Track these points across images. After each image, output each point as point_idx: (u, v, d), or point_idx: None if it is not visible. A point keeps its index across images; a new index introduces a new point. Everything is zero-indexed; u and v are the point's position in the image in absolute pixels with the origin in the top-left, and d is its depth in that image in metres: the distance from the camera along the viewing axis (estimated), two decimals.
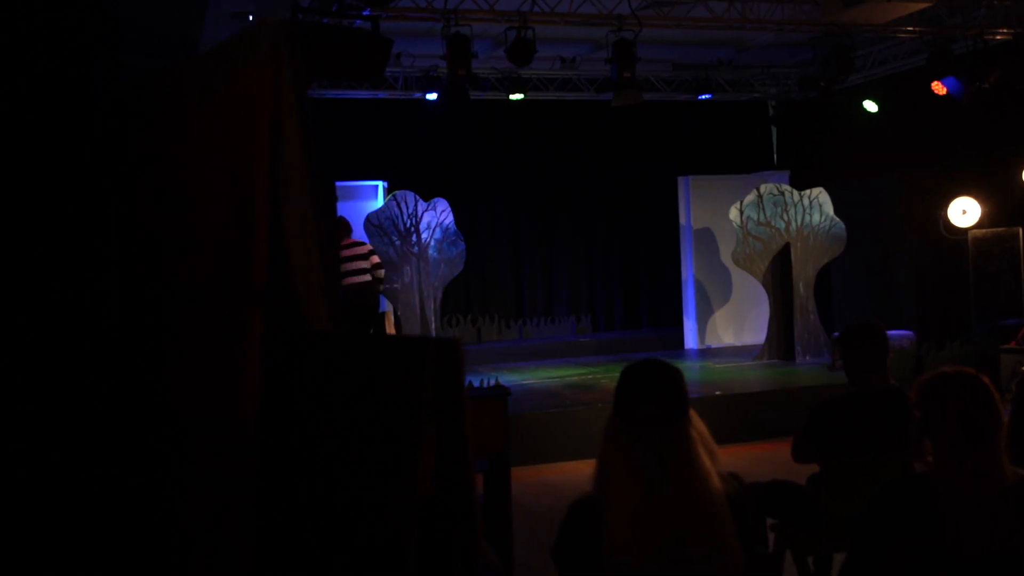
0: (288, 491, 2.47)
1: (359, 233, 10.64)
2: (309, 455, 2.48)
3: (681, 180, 12.68)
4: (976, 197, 10.09)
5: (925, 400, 2.48)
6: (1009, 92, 9.31)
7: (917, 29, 9.53)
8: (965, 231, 10.13)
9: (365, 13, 7.35)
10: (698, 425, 2.32)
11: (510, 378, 9.89)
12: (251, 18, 8.11)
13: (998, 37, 9.47)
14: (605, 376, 10.00)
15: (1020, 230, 9.51)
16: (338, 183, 10.40)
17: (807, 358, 10.68)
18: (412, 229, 10.72)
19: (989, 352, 8.99)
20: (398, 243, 10.64)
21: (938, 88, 9.74)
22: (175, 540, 2.58)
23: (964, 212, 10.15)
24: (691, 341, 12.67)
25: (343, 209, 10.72)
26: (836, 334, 9.64)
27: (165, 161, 2.88)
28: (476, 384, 5.52)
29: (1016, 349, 8.64)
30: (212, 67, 3.05)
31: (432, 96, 10.83)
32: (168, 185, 2.85)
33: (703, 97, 12.11)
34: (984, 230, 10.00)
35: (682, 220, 12.68)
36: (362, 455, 2.32)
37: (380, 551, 2.20)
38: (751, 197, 10.88)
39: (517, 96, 11.21)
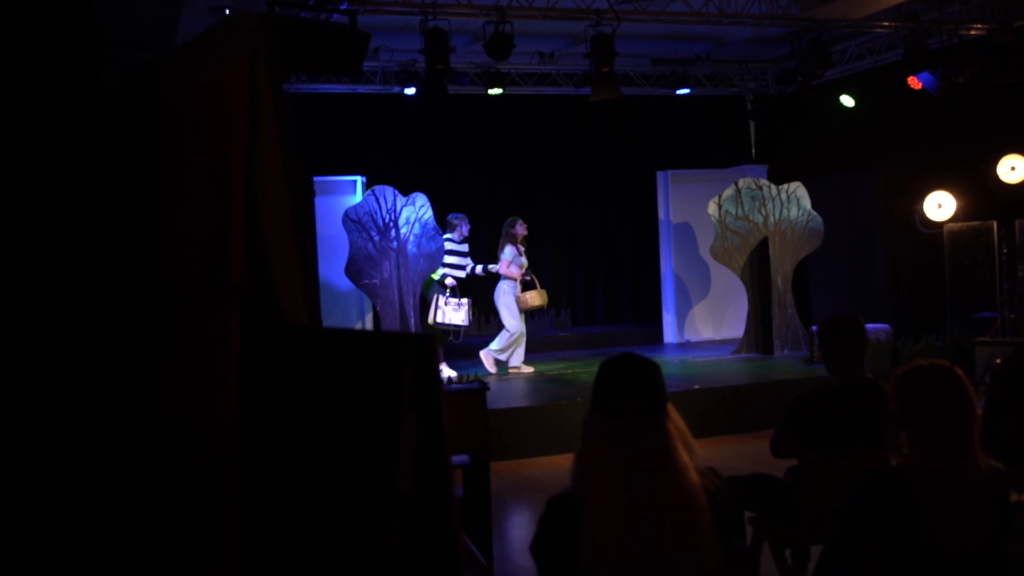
0: (268, 488, 2.46)
1: (338, 228, 10.61)
2: (289, 451, 2.47)
3: (660, 175, 12.71)
4: (951, 191, 10.17)
5: (901, 393, 2.50)
6: (984, 87, 9.40)
7: (893, 24, 9.59)
8: (941, 225, 10.21)
9: (343, 7, 7.32)
10: (676, 419, 2.32)
11: (488, 372, 9.89)
12: (228, 12, 8.05)
13: (973, 32, 9.56)
14: (585, 371, 10.02)
15: (995, 224, 9.60)
16: (316, 178, 10.35)
17: (785, 352, 10.75)
18: (391, 224, 10.68)
19: (965, 345, 9.07)
20: (377, 238, 10.61)
21: (914, 83, 9.82)
22: (160, 538, 2.56)
23: (940, 206, 10.23)
24: (671, 335, 12.71)
25: (322, 204, 10.68)
26: (814, 328, 9.72)
27: (142, 155, 2.86)
28: (455, 378, 5.51)
29: (991, 342, 8.73)
30: (188, 61, 3.02)
31: (411, 91, 10.80)
32: (146, 180, 2.83)
33: (681, 92, 12.14)
34: (959, 224, 10.08)
35: (661, 215, 12.72)
36: (342, 451, 2.31)
37: (362, 547, 2.20)
38: (729, 191, 10.93)
39: (496, 91, 11.19)
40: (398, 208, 10.68)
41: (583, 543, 2.21)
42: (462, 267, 10.02)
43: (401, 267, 10.66)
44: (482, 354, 10.03)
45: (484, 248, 13.37)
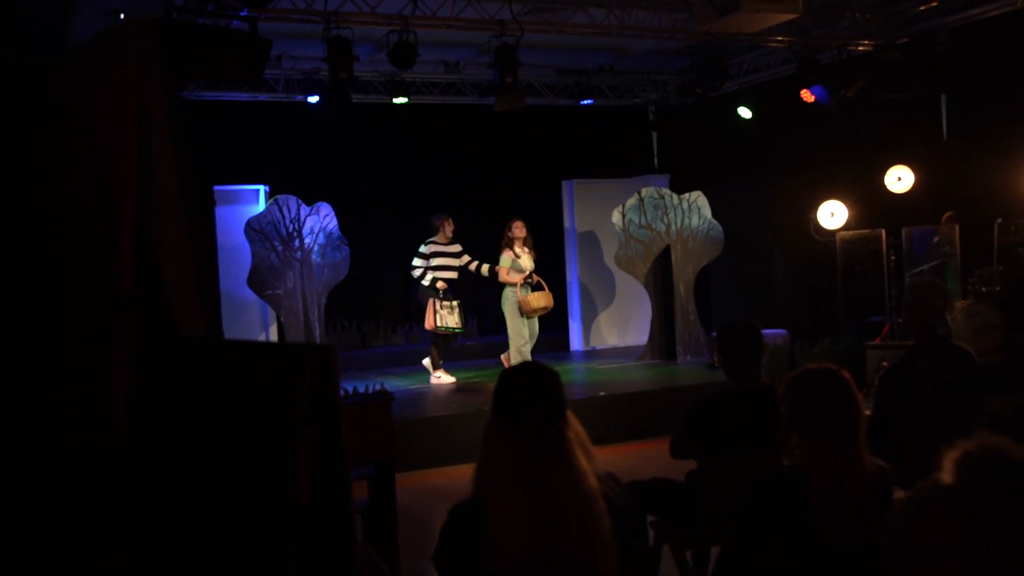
0: (163, 501, 2.40)
1: (240, 238, 10.41)
2: (184, 464, 2.41)
3: (565, 184, 12.86)
4: (843, 200, 10.54)
5: (790, 396, 2.58)
6: (872, 100, 9.79)
7: (786, 39, 9.92)
8: (834, 233, 10.56)
9: (242, 14, 7.19)
10: (575, 427, 2.35)
11: (396, 383, 9.83)
12: (122, 16, 7.82)
13: (861, 48, 9.95)
14: (491, 379, 10.03)
15: (883, 232, 9.98)
16: (218, 187, 10.14)
17: (688, 358, 10.97)
18: (295, 234, 10.54)
19: (857, 349, 9.39)
20: (280, 248, 10.45)
21: (806, 96, 10.17)
22: (46, 552, 2.47)
23: (832, 215, 10.58)
24: (576, 343, 12.84)
25: (223, 214, 10.47)
26: (715, 334, 9.94)
27: (30, 161, 2.76)
28: (361, 389, 5.45)
29: (880, 345, 9.06)
30: (78, 66, 2.93)
31: (314, 99, 10.68)
32: (34, 186, 2.73)
33: (585, 102, 12.31)
34: (851, 232, 10.45)
35: (566, 223, 12.85)
36: (238, 464, 2.27)
37: (257, 560, 2.16)
38: (632, 200, 11.11)
39: (401, 99, 11.16)
40: (302, 218, 10.55)
41: (485, 551, 2.22)
42: (453, 268, 9.86)
43: (305, 277, 10.52)
44: (502, 357, 9.93)
45: (394, 250, 13.33)
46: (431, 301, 9.62)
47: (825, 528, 2.44)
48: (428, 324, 9.64)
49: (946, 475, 1.53)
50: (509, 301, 9.63)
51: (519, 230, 9.72)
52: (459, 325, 9.68)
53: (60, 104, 2.77)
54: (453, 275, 9.85)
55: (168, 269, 2.56)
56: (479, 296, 13.81)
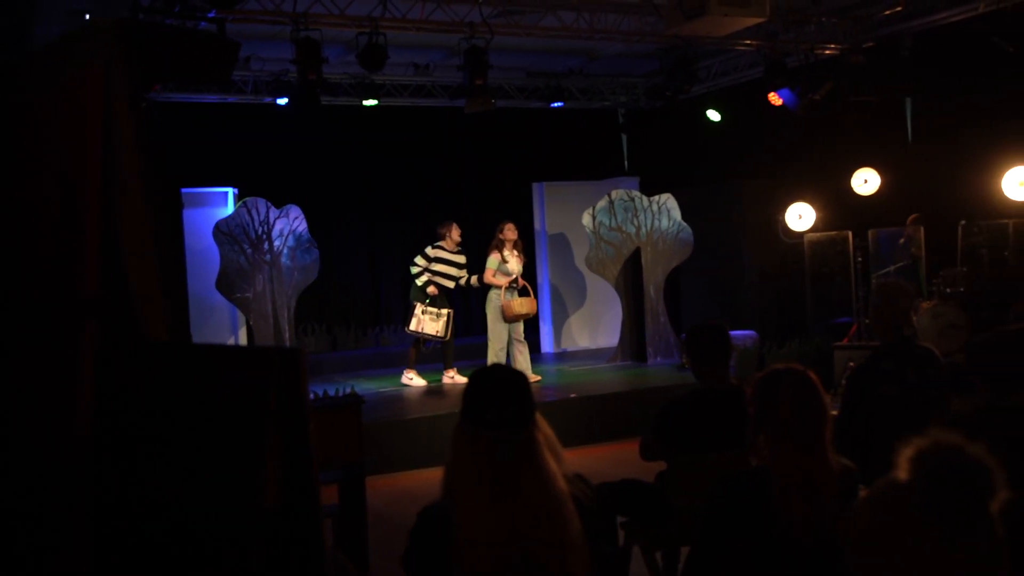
0: (130, 507, 2.38)
1: (209, 241, 10.33)
2: (151, 469, 2.39)
3: (536, 186, 12.88)
4: (811, 202, 10.63)
5: (758, 397, 2.60)
6: (838, 104, 9.89)
7: (754, 43, 10.00)
8: (801, 235, 10.66)
9: (210, 15, 7.14)
10: (544, 429, 2.36)
11: (367, 386, 9.79)
12: (87, 16, 7.74)
13: (827, 52, 10.05)
14: (464, 382, 10.02)
15: (850, 234, 10.09)
16: (185, 190, 10.05)
17: (658, 359, 11.01)
18: (264, 237, 10.47)
19: (824, 349, 9.49)
20: (249, 251, 10.38)
21: (774, 99, 10.27)
22: (10, 555, 2.44)
23: (800, 217, 10.68)
24: (547, 345, 12.86)
25: (192, 216, 10.38)
26: (684, 335, 10.00)
27: None
28: (332, 393, 5.43)
29: (847, 346, 9.16)
30: (42, 67, 2.90)
31: (283, 101, 10.62)
32: None
33: (555, 105, 12.34)
34: (818, 234, 10.55)
35: (537, 225, 12.87)
36: (206, 468, 2.26)
37: (226, 564, 2.15)
38: (603, 203, 11.15)
39: (371, 102, 11.12)
40: (271, 220, 10.48)
41: (454, 553, 2.22)
42: (452, 277, 9.75)
43: (275, 280, 10.45)
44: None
45: (365, 253, 13.28)
46: (416, 305, 9.58)
47: (792, 527, 2.46)
48: (409, 326, 9.60)
49: (901, 472, 1.55)
50: (492, 304, 9.48)
51: (511, 232, 9.56)
52: (440, 333, 9.60)
53: (23, 106, 2.73)
54: (449, 284, 9.76)
55: (133, 273, 2.53)
56: (450, 296, 13.76)
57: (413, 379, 9.89)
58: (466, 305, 13.41)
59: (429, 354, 10.14)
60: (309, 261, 10.71)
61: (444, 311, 9.63)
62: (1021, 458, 2.06)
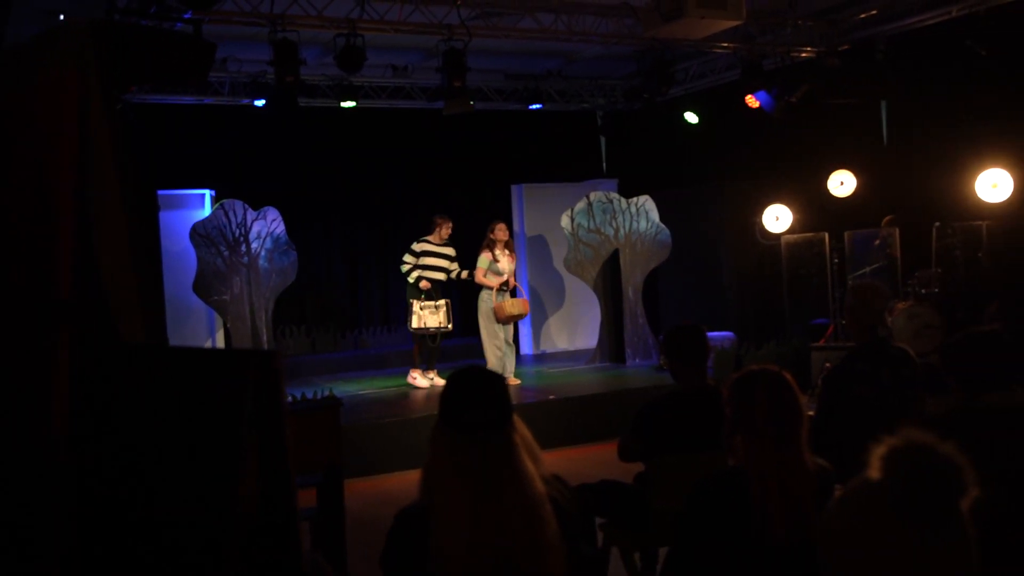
0: (106, 510, 2.36)
1: (185, 243, 10.26)
2: (127, 472, 2.38)
3: (515, 188, 12.89)
4: (788, 204, 10.70)
5: (734, 398, 2.62)
6: (814, 106, 9.96)
7: (731, 45, 10.06)
8: (779, 237, 10.72)
9: (186, 16, 7.10)
10: (522, 430, 2.36)
11: (346, 389, 9.76)
12: (62, 17, 7.68)
13: (803, 55, 10.13)
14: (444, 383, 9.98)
15: (826, 235, 10.16)
16: (162, 192, 9.99)
17: (637, 360, 11.04)
18: (241, 239, 10.42)
19: (802, 350, 9.55)
20: (227, 253, 10.32)
21: (751, 101, 10.32)
22: None
23: (777, 218, 10.74)
24: (527, 346, 12.87)
25: (168, 219, 10.31)
26: (663, 336, 10.03)
27: None
28: (310, 395, 5.41)
29: (824, 347, 9.22)
30: (16, 67, 2.88)
31: (260, 102, 10.57)
32: None
33: (534, 107, 12.35)
34: (795, 235, 10.62)
35: (516, 227, 12.87)
36: (182, 471, 2.25)
37: (203, 567, 2.14)
38: (581, 204, 11.17)
39: (349, 103, 11.09)
40: (248, 222, 10.43)
41: (431, 554, 2.22)
42: (442, 269, 9.69)
43: (252, 283, 10.40)
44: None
45: (343, 255, 13.24)
46: (412, 302, 9.54)
47: (768, 527, 2.47)
48: (411, 325, 9.55)
49: (874, 471, 1.57)
50: (484, 305, 9.42)
51: (502, 232, 9.50)
52: (442, 324, 9.52)
53: None
54: (440, 276, 9.70)
55: (109, 275, 2.52)
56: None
57: (418, 378, 9.82)
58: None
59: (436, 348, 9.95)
60: (287, 263, 10.67)
61: (441, 302, 9.59)
62: (992, 458, 2.08)
